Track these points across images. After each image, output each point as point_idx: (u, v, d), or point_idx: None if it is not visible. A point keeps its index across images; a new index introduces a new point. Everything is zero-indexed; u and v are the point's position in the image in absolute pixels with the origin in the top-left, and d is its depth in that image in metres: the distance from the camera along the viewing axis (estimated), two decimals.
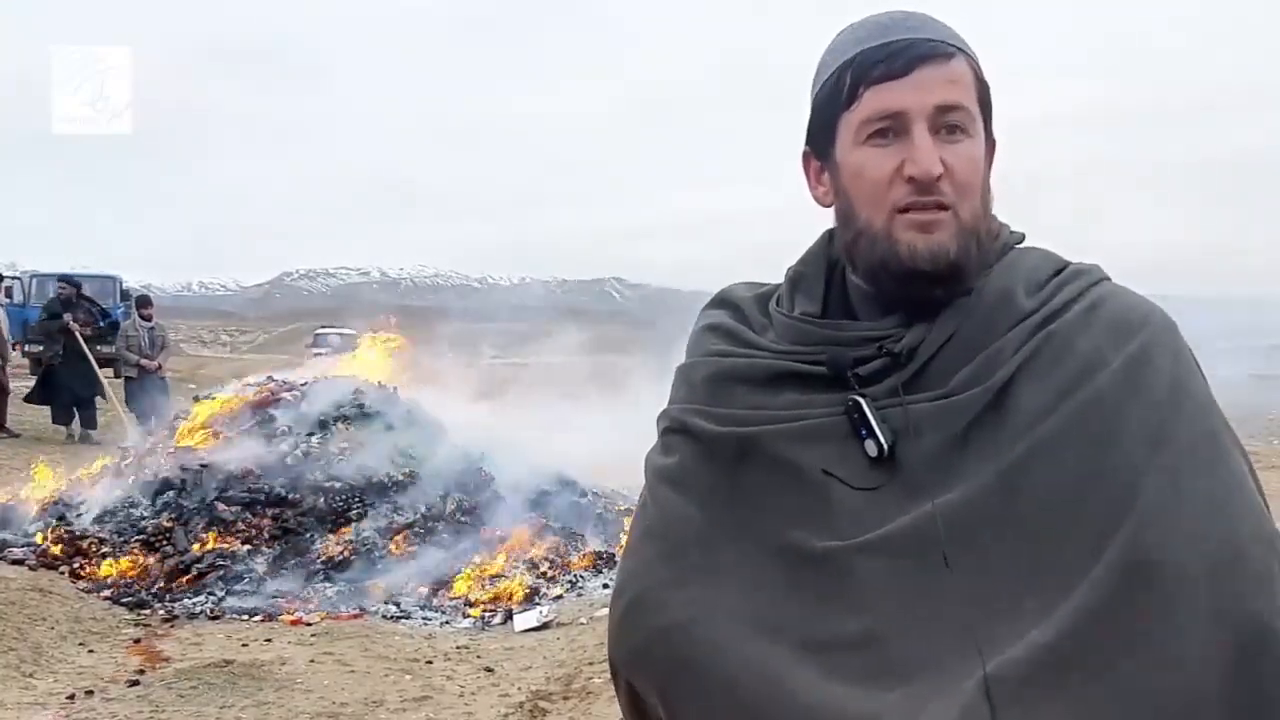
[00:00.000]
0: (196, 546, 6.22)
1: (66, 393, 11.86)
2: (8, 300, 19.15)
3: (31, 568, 5.92)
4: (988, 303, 1.00)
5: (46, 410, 12.28)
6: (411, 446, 7.27)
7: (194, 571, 5.98)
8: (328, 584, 5.95)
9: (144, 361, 11.58)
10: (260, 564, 6.11)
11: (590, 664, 4.54)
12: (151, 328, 11.99)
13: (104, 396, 11.85)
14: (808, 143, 1.08)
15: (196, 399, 8.55)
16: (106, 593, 5.75)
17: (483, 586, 6.01)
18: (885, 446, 0.96)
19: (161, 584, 5.90)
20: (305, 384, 8.03)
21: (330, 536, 6.39)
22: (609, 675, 1.12)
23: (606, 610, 1.14)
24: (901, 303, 1.01)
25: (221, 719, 4.00)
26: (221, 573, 5.96)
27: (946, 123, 0.98)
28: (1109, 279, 1.04)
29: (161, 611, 5.57)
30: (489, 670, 4.73)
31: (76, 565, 6.06)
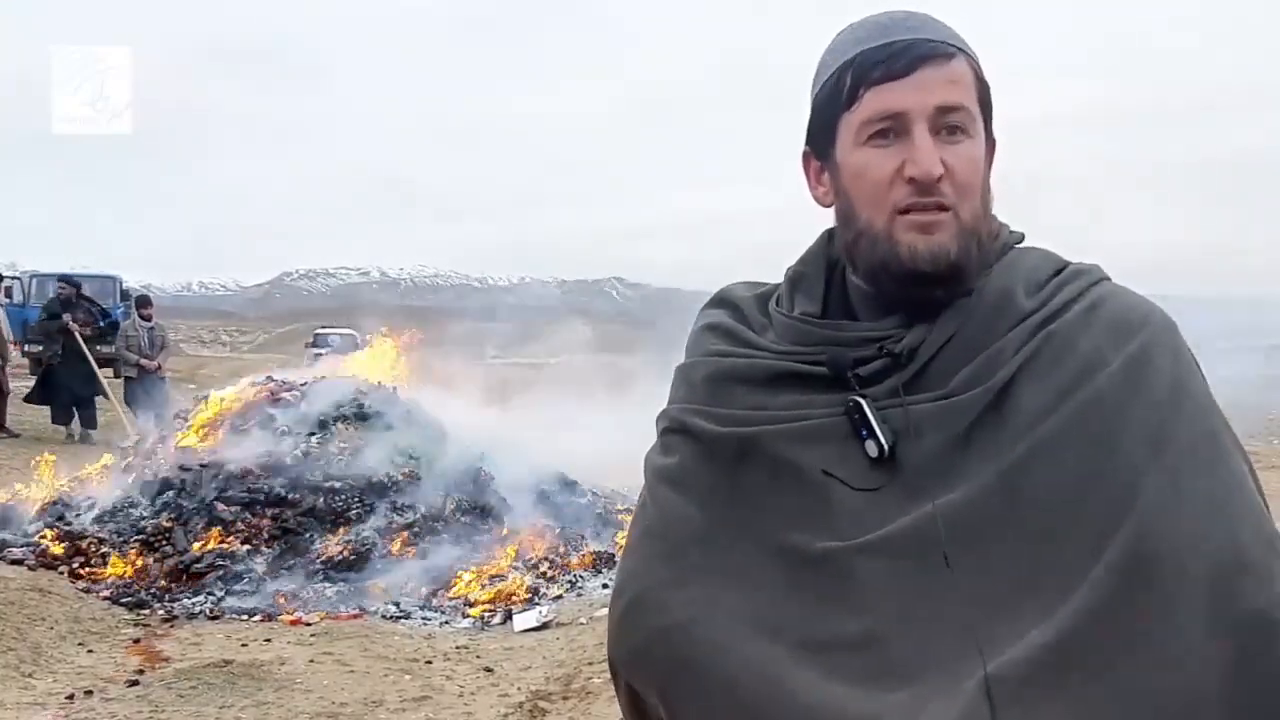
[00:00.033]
0: (196, 546, 6.22)
1: (66, 393, 11.86)
2: (8, 300, 19.15)
3: (31, 568, 5.91)
4: (988, 303, 1.00)
5: (46, 410, 12.28)
6: (411, 447, 7.27)
7: (194, 571, 5.98)
8: (327, 584, 5.95)
9: (144, 361, 11.57)
10: (260, 564, 6.11)
11: (590, 664, 4.54)
12: (151, 328, 11.97)
13: (104, 396, 11.85)
14: (808, 143, 1.08)
15: (196, 399, 8.55)
16: (106, 593, 5.75)
17: (482, 586, 6.02)
18: (886, 447, 0.96)
19: (161, 584, 5.91)
20: (305, 384, 8.02)
21: (330, 536, 6.39)
22: (609, 675, 1.12)
23: (606, 610, 1.13)
24: (902, 303, 1.01)
25: (221, 719, 4.00)
26: (221, 573, 5.97)
27: (947, 123, 0.98)
28: (1109, 279, 1.03)
29: (161, 611, 5.57)
30: (489, 670, 4.73)
31: (76, 565, 6.06)
